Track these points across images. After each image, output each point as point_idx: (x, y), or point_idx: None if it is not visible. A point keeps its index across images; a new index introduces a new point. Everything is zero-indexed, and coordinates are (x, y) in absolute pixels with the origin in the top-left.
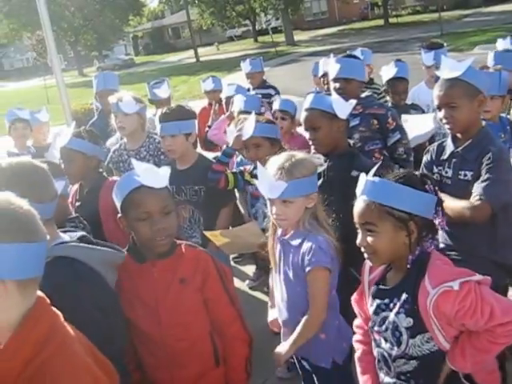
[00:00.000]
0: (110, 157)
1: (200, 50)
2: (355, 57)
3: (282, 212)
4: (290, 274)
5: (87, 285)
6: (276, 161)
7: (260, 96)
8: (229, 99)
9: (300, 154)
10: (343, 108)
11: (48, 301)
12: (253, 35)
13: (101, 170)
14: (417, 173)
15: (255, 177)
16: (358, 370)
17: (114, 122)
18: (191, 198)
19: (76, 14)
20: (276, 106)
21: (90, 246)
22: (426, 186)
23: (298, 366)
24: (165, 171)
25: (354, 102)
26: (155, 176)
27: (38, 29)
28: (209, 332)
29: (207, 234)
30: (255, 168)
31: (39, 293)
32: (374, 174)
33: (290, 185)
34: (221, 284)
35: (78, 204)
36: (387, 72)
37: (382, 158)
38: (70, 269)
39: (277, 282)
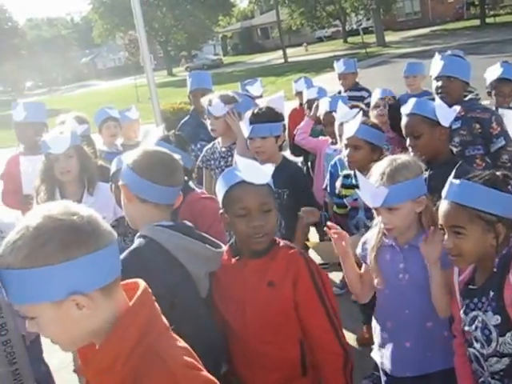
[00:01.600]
0: (203, 155)
1: (288, 51)
2: (460, 57)
3: (388, 220)
4: (421, 279)
5: (162, 271)
6: (378, 167)
7: (346, 97)
8: (311, 102)
9: (403, 157)
10: (446, 114)
11: (150, 291)
12: (342, 36)
13: (186, 178)
14: (498, 173)
15: (349, 187)
16: (457, 373)
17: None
18: None
19: (167, 14)
20: (377, 95)
21: (181, 234)
22: (509, 187)
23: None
24: (268, 168)
25: (457, 108)
26: (257, 172)
27: (130, 29)
28: (298, 339)
29: (308, 243)
30: (346, 177)
31: (142, 283)
32: (457, 177)
33: (392, 190)
34: (313, 289)
35: None
36: (492, 73)
37: (484, 164)
38: (149, 252)
39: (393, 293)
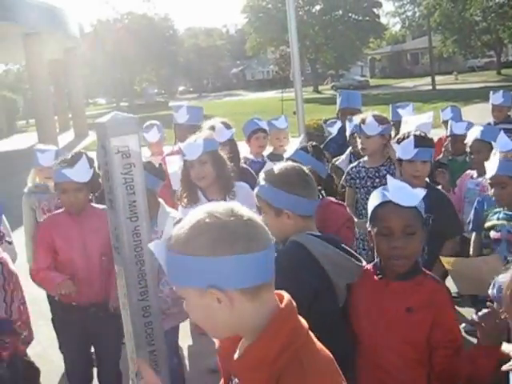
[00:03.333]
0: (347, 173)
1: (437, 78)
2: None
3: None
4: None
5: (307, 273)
6: None
7: (500, 129)
8: (456, 137)
9: None
10: None
11: (294, 303)
12: (496, 67)
13: (320, 187)
14: None
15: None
16: None
17: (358, 141)
18: None
19: (319, 33)
20: None
21: (329, 244)
22: None
23: None
24: (419, 191)
25: None
26: (406, 193)
27: (282, 44)
28: (426, 372)
29: (442, 259)
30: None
31: (286, 294)
32: None
33: None
34: (457, 328)
35: None
36: None
37: None
38: (297, 255)
39: None
